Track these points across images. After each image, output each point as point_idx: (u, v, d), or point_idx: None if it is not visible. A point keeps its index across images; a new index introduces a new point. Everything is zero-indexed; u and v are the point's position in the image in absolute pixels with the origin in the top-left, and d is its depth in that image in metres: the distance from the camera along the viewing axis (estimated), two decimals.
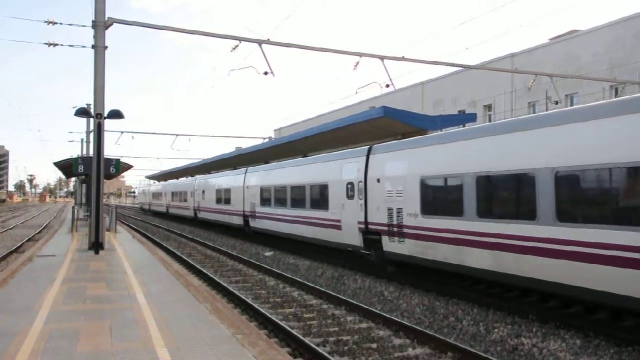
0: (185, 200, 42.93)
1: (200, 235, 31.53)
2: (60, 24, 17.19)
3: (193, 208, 40.05)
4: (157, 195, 60.84)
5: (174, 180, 52.94)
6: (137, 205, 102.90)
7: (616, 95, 28.93)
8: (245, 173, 28.08)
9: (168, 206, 51.45)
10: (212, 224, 35.56)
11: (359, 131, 20.27)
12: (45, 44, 17.74)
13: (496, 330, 9.44)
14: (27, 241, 26.41)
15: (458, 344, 8.23)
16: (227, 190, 30.95)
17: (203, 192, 37.24)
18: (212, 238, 29.39)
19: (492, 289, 12.14)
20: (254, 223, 26.19)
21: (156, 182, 73.17)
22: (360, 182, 15.96)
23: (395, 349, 8.58)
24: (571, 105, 32.04)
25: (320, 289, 13.00)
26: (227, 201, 30.87)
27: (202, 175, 40.70)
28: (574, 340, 8.69)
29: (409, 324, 9.48)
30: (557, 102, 26.50)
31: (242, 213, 27.91)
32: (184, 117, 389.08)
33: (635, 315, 9.00)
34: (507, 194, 10.77)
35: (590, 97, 28.93)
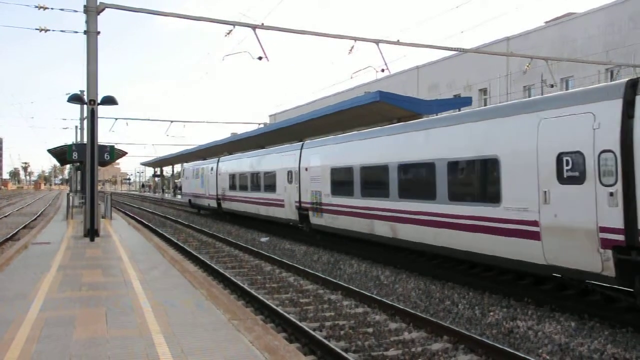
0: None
1: (195, 221, 31.51)
2: (52, 9, 16.98)
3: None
4: (263, 179, 23.98)
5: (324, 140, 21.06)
6: (178, 198, 56.64)
7: (611, 78, 28.88)
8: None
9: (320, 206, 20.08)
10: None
11: (354, 116, 20.18)
12: (36, 29, 17.51)
13: (492, 313, 9.48)
14: (22, 229, 26.34)
15: (454, 328, 8.27)
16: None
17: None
18: (207, 224, 29.40)
19: (487, 272, 12.19)
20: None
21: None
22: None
23: (392, 333, 8.62)
24: (567, 89, 31.97)
25: (317, 274, 13.02)
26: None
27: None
28: (568, 322, 8.74)
29: (405, 308, 9.52)
30: (552, 86, 26.41)
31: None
32: (179, 104, 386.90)
33: (629, 295, 9.05)
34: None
35: (585, 81, 28.88)
